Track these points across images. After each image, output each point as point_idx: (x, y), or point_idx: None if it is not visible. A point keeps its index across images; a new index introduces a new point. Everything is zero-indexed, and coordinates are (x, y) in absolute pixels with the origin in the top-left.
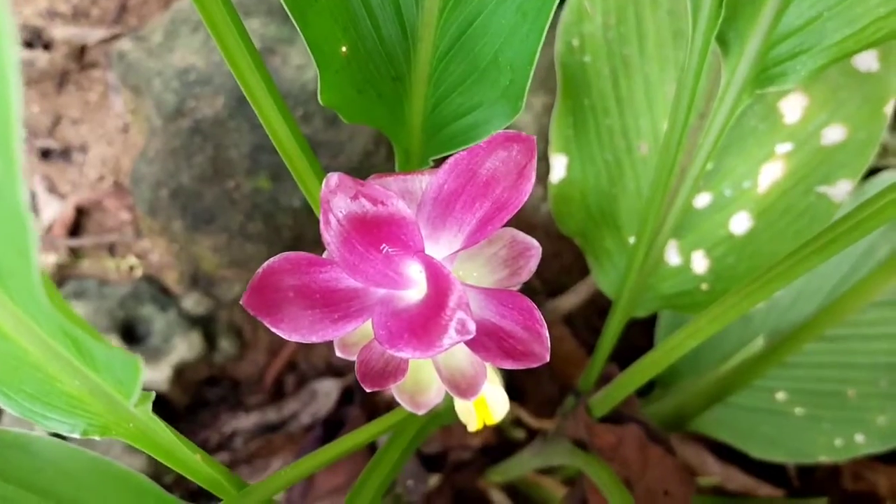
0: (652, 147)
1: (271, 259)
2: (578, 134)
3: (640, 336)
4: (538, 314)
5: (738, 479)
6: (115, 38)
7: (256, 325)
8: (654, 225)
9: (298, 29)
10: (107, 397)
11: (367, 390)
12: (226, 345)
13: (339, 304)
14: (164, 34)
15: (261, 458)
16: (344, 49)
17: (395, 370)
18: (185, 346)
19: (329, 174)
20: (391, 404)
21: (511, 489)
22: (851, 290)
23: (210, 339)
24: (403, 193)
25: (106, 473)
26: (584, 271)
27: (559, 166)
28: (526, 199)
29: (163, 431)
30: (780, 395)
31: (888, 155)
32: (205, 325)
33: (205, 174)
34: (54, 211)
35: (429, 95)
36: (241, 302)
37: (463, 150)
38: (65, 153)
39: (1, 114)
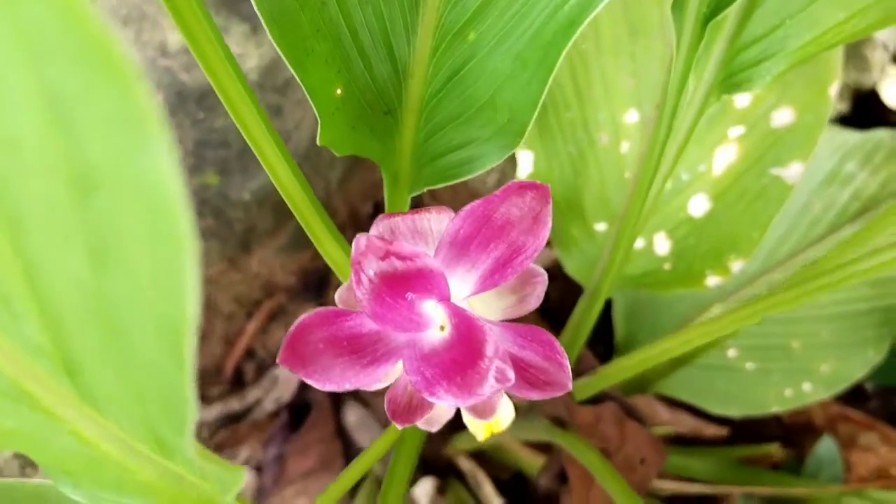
0: (612, 137)
1: (302, 316)
2: (542, 129)
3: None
4: (559, 345)
5: (686, 422)
6: None
7: (211, 317)
8: (633, 223)
9: (298, 78)
10: (177, 478)
11: (399, 427)
12: None
13: (365, 349)
14: None
15: (228, 448)
16: (339, 91)
17: (422, 404)
18: None
19: (357, 237)
20: None
21: (477, 453)
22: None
23: None
24: (413, 233)
25: None
26: None
27: (526, 162)
28: (544, 243)
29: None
30: (732, 353)
31: None
32: None
33: None
34: None
35: (420, 128)
36: (277, 360)
37: (460, 182)
38: None
39: (170, 325)
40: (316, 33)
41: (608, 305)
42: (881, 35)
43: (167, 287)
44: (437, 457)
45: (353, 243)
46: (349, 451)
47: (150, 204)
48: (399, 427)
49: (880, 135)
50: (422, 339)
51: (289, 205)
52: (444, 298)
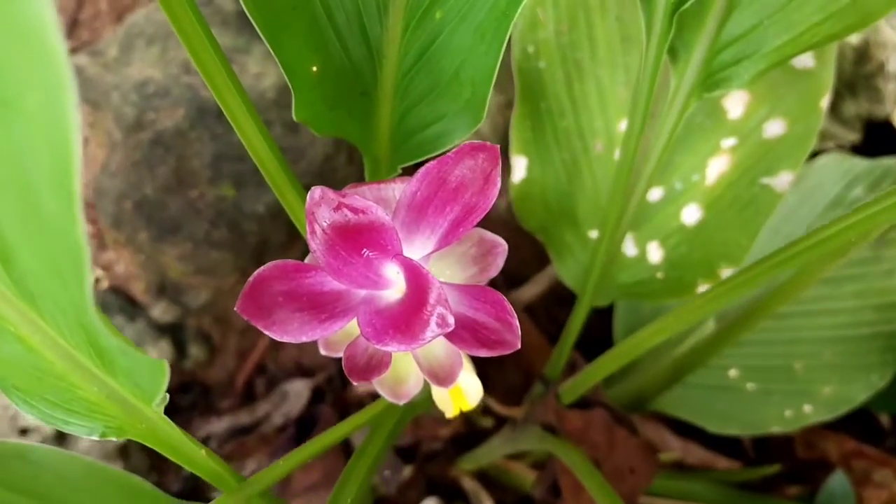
0: (606, 146)
1: (261, 267)
2: (536, 136)
3: (596, 322)
4: (508, 306)
5: (696, 454)
6: (69, 52)
7: (225, 330)
8: (615, 221)
9: (272, 51)
10: (123, 401)
11: (354, 383)
12: (195, 351)
13: (325, 306)
14: (119, 48)
15: (235, 460)
16: (314, 68)
17: (379, 364)
18: (155, 355)
19: (313, 188)
20: (361, 401)
21: (482, 475)
22: (797, 276)
23: (179, 347)
24: (378, 201)
25: (101, 476)
26: (541, 263)
27: (520, 167)
28: (493, 202)
29: (172, 430)
30: (733, 373)
31: (826, 139)
32: (174, 333)
33: (168, 185)
34: None
35: (395, 108)
36: (235, 308)
37: (433, 158)
38: None
39: (62, 163)
40: (292, 10)
41: (611, 321)
42: (893, 67)
43: (55, 121)
44: (443, 477)
45: (308, 194)
46: None
47: (35, 42)
48: (354, 383)
49: (888, 162)
50: (380, 296)
51: (289, 214)
52: (397, 253)
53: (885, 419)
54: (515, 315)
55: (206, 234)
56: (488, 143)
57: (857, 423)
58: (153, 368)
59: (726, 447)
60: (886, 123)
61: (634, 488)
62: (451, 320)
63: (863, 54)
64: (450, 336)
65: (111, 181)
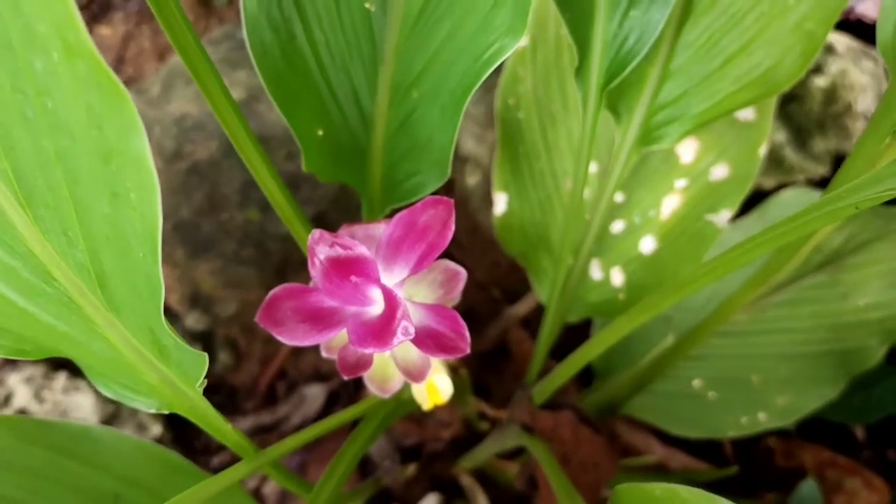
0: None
1: (275, 289)
2: (515, 176)
3: (581, 339)
4: (461, 321)
5: (679, 460)
6: None
7: (251, 338)
8: (570, 248)
9: (285, 119)
10: (174, 385)
11: (346, 378)
12: (223, 357)
13: (323, 319)
14: (161, 86)
15: None
16: (320, 132)
17: (365, 363)
18: None
19: (313, 230)
20: None
21: (479, 474)
22: (732, 298)
23: (209, 352)
24: (366, 238)
25: (148, 452)
26: None
27: (501, 202)
28: (448, 241)
29: (207, 407)
30: (697, 383)
31: (796, 172)
32: (204, 340)
33: (202, 208)
34: None
35: (384, 163)
36: (255, 319)
37: (414, 202)
38: None
39: (150, 231)
40: (303, 89)
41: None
42: (861, 107)
43: (148, 208)
44: (445, 475)
45: (309, 236)
46: (364, 462)
47: (138, 163)
48: (345, 378)
49: None
50: (363, 312)
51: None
52: (377, 280)
53: (860, 433)
54: (466, 327)
55: (234, 252)
56: (445, 197)
57: (834, 436)
58: (197, 360)
59: (709, 455)
60: None
61: (598, 480)
62: (412, 330)
63: (831, 95)
64: (418, 343)
65: None
